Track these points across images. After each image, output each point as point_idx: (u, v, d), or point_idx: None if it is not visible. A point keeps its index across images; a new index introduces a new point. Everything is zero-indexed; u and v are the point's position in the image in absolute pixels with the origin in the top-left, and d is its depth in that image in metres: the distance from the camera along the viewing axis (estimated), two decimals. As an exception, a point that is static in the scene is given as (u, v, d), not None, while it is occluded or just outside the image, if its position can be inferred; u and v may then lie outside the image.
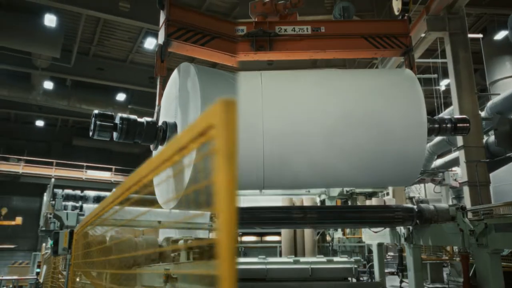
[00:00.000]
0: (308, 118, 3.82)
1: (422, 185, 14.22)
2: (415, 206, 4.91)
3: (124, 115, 3.59)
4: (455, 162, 12.81)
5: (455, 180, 12.86)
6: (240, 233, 10.93)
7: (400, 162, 3.93)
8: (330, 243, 10.30)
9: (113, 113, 3.58)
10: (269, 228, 8.21)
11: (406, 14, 4.68)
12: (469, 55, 9.86)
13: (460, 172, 15.02)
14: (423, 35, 10.62)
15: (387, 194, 14.15)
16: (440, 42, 11.05)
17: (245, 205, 5.01)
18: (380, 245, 7.10)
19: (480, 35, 13.14)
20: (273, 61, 18.58)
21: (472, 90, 9.52)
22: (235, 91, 3.65)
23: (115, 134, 3.53)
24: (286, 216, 4.71)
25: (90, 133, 3.49)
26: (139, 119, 3.62)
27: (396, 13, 4.75)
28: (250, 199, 9.10)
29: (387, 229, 6.38)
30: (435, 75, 13.66)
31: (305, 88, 4.03)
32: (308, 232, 9.49)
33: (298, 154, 3.84)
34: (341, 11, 6.15)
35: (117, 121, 3.51)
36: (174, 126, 3.54)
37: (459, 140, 9.36)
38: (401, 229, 5.52)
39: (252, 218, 4.66)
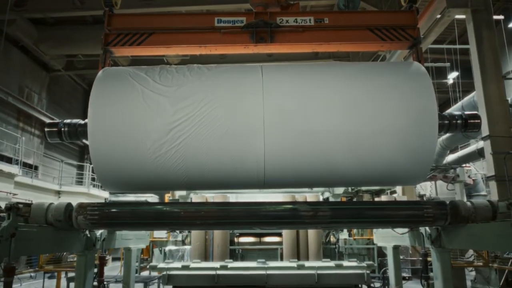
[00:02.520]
0: (311, 114, 3.70)
1: (432, 182, 13.49)
2: (447, 202, 4.16)
3: (67, 120, 4.04)
4: (469, 157, 12.06)
5: (469, 177, 12.13)
6: (237, 234, 10.28)
7: (408, 161, 3.77)
8: (336, 245, 9.51)
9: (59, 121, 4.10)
10: (271, 228, 7.42)
11: (414, 5, 4.52)
12: (494, 34, 9.04)
13: (473, 169, 14.38)
14: (438, 16, 9.82)
15: (394, 192, 13.45)
16: (457, 24, 10.27)
17: (243, 201, 4.30)
18: (396, 248, 6.42)
19: (501, 17, 12.28)
20: (272, 53, 18.01)
21: (498, 73, 8.70)
22: (129, 88, 3.75)
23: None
24: (292, 214, 3.95)
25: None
26: (81, 121, 3.99)
27: (404, 4, 4.62)
28: (247, 196, 8.34)
29: (406, 230, 5.70)
30: (448, 64, 12.89)
31: (308, 82, 3.89)
32: (312, 233, 8.72)
33: (301, 151, 3.70)
34: (345, 2, 6.02)
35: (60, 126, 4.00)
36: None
37: (485, 129, 8.54)
38: (426, 230, 4.80)
39: (251, 216, 3.93)
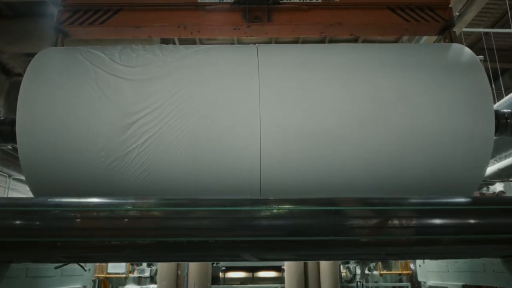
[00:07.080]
0: (324, 106, 3.14)
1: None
2: None
3: (1, 116, 3.45)
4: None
5: (513, 194, 10.35)
6: (223, 268, 8.42)
7: (454, 172, 3.14)
8: (358, 283, 7.42)
9: None
10: (280, 257, 5.18)
11: None
12: None
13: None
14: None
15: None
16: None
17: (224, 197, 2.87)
18: (464, 290, 4.49)
19: None
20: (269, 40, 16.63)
21: None
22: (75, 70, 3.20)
23: None
24: (327, 225, 1.91)
25: None
26: None
27: None
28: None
29: (484, 261, 3.91)
30: (481, 57, 11.26)
31: (315, 65, 3.33)
32: (326, 265, 6.65)
33: (308, 155, 3.08)
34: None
35: None
36: None
37: None
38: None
39: (237, 227, 2.05)
